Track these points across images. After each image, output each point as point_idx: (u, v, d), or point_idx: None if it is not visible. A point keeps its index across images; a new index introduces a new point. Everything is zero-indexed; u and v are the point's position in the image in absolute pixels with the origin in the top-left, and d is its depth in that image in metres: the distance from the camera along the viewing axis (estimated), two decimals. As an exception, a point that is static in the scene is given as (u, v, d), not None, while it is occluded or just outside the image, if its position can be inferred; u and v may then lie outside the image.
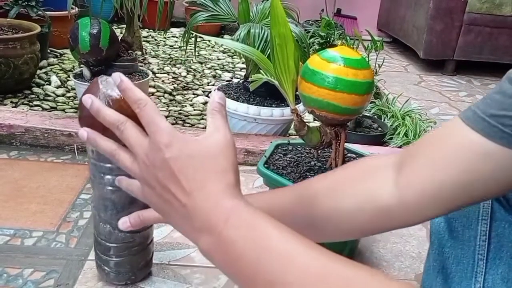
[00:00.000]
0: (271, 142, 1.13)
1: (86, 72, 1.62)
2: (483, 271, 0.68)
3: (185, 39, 1.62)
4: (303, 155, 1.08)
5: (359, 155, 1.09)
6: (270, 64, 0.95)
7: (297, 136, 0.98)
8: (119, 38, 1.70)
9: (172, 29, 3.13)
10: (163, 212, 0.49)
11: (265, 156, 1.04)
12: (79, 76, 1.65)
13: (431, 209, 0.53)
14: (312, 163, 1.04)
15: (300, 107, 1.14)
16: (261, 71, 1.04)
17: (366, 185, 0.57)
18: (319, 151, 1.05)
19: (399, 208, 0.55)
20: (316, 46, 1.73)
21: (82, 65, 1.67)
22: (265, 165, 1.00)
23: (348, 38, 1.81)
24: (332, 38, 1.70)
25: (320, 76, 0.88)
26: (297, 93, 0.97)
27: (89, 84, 0.85)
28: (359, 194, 0.57)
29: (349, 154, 1.08)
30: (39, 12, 2.01)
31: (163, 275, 0.96)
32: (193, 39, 1.71)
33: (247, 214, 0.45)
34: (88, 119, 0.80)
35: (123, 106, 0.78)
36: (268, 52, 1.39)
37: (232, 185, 0.47)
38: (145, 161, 0.47)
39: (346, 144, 1.01)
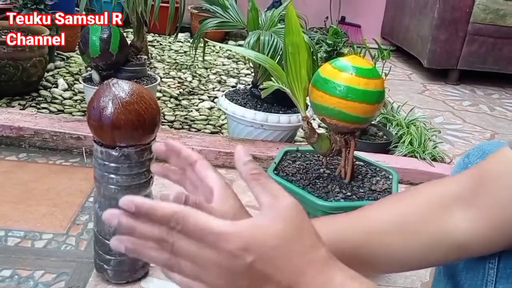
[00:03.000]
0: (277, 149, 1.14)
1: (95, 76, 1.63)
2: (494, 280, 0.68)
3: (194, 45, 1.63)
4: (312, 162, 1.09)
5: (368, 164, 1.10)
6: (282, 72, 0.96)
7: (305, 143, 1.00)
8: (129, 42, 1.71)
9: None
10: None
11: (275, 163, 1.05)
12: (88, 80, 1.66)
13: (505, 241, 0.56)
14: (321, 170, 1.05)
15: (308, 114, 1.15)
16: (272, 78, 1.05)
17: (438, 223, 0.57)
18: (328, 159, 1.07)
19: (474, 243, 0.56)
20: (323, 54, 1.74)
21: (89, 69, 1.68)
22: (275, 172, 1.01)
23: (354, 46, 1.83)
24: (339, 47, 1.72)
25: (332, 84, 0.90)
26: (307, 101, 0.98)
27: (98, 87, 0.87)
28: (432, 233, 0.57)
29: (357, 162, 1.09)
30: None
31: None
32: (201, 44, 1.72)
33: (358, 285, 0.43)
34: (97, 125, 0.82)
35: (135, 108, 0.80)
36: (277, 59, 1.40)
37: (326, 257, 0.43)
38: (219, 273, 0.40)
39: (354, 152, 1.02)
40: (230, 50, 2.85)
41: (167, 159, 0.55)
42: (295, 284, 0.41)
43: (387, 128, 1.79)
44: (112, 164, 0.83)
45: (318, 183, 0.99)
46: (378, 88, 0.91)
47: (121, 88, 0.80)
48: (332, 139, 0.98)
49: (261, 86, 1.24)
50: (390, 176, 1.04)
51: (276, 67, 0.97)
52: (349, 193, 0.96)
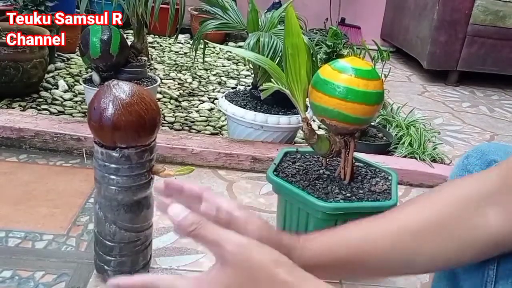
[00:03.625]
0: (277, 150, 1.15)
1: (96, 77, 1.63)
2: (493, 280, 0.68)
3: (194, 47, 1.63)
4: (311, 163, 1.09)
5: (368, 165, 1.11)
6: (282, 74, 0.97)
7: (305, 144, 1.00)
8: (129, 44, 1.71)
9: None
10: None
11: (274, 164, 1.05)
12: (89, 81, 1.67)
13: None
14: (321, 171, 1.05)
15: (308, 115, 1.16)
16: (272, 79, 1.06)
17: (473, 222, 0.57)
18: (327, 160, 1.07)
19: (510, 239, 0.57)
20: (323, 55, 1.74)
21: (89, 70, 1.69)
22: (275, 173, 1.02)
23: (354, 47, 1.83)
24: (339, 48, 1.72)
25: (331, 86, 0.90)
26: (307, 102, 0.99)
27: (98, 89, 0.87)
28: (468, 232, 0.58)
29: (357, 163, 1.10)
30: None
31: (172, 280, 0.97)
32: (202, 46, 1.73)
33: None
34: (97, 126, 0.82)
35: (136, 109, 0.80)
36: (276, 61, 1.40)
37: (289, 282, 0.45)
38: None
39: (354, 153, 1.02)
40: (230, 52, 2.85)
41: (170, 197, 0.58)
42: None
43: (387, 129, 1.79)
44: (113, 165, 0.83)
45: (318, 184, 1.00)
46: (378, 89, 0.92)
47: (122, 89, 0.81)
48: (332, 140, 0.98)
49: (261, 87, 1.24)
50: (390, 177, 1.05)
51: (275, 69, 0.97)
52: (348, 194, 0.96)
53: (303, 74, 0.93)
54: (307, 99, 0.98)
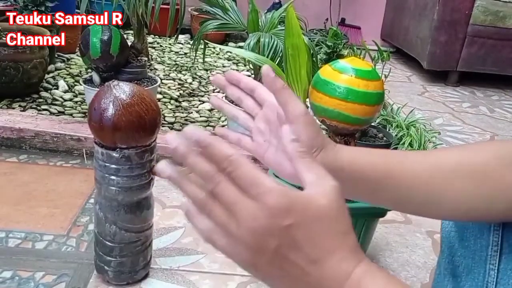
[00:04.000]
0: None
1: (96, 78, 1.63)
2: (494, 281, 0.68)
3: (194, 47, 1.63)
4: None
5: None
6: (283, 74, 0.97)
7: None
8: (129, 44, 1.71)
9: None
10: (272, 278, 0.42)
11: None
12: (89, 82, 1.67)
13: None
14: None
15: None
16: None
17: (505, 178, 0.56)
18: None
19: None
20: (323, 56, 1.74)
21: (89, 71, 1.69)
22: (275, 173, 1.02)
23: (354, 48, 1.83)
24: (339, 49, 1.72)
25: (332, 86, 0.90)
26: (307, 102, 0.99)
27: (98, 89, 0.87)
28: (500, 185, 0.57)
29: None
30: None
31: (172, 280, 0.97)
32: (202, 46, 1.73)
33: (380, 280, 0.43)
34: (97, 126, 0.82)
35: (136, 110, 0.80)
36: (277, 61, 1.40)
37: (354, 247, 0.43)
38: (253, 227, 0.39)
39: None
40: (231, 52, 2.85)
41: (225, 89, 0.61)
42: (321, 261, 0.41)
43: (387, 130, 1.79)
44: (113, 166, 0.83)
45: None
46: (378, 89, 0.92)
47: (122, 89, 0.81)
48: (332, 141, 0.98)
49: None
50: None
51: (276, 69, 0.98)
52: None
53: (304, 75, 0.93)
54: (307, 100, 0.98)
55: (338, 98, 0.90)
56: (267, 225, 0.38)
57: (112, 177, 0.84)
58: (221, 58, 2.81)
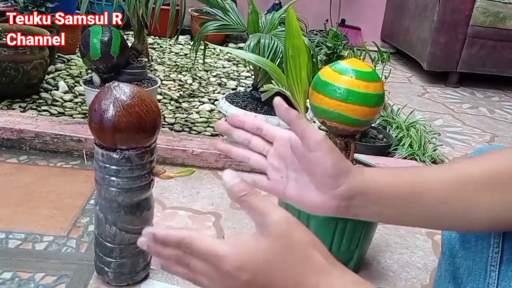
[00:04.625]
0: None
1: (96, 79, 1.63)
2: (495, 282, 0.68)
3: (194, 48, 1.63)
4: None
5: (368, 166, 1.10)
6: (283, 75, 0.97)
7: None
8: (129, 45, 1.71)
9: (177, 37, 3.15)
10: None
11: None
12: (89, 82, 1.67)
13: None
14: None
15: (308, 116, 1.15)
16: (272, 81, 1.05)
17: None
18: None
19: None
20: (323, 57, 1.74)
21: (90, 71, 1.69)
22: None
23: (354, 49, 1.83)
24: (339, 50, 1.72)
25: (332, 87, 0.90)
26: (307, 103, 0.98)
27: (98, 90, 0.87)
28: None
29: (357, 165, 1.09)
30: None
31: (172, 281, 0.97)
32: (202, 47, 1.73)
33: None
34: (98, 127, 0.82)
35: (136, 111, 0.80)
36: (277, 62, 1.40)
37: (323, 263, 0.45)
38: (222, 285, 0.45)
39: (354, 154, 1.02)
40: (231, 53, 2.85)
41: (230, 135, 0.62)
42: None
43: (387, 131, 1.79)
44: (113, 167, 0.83)
45: None
46: (378, 91, 0.92)
47: (122, 90, 0.81)
48: (332, 142, 0.98)
49: (261, 89, 1.24)
50: None
51: (276, 70, 0.97)
52: None
53: (304, 76, 0.93)
54: (307, 101, 0.98)
55: (338, 99, 0.90)
56: (233, 286, 0.45)
57: (112, 178, 0.84)
58: (221, 59, 2.81)
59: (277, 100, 0.53)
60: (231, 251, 0.44)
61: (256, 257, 0.44)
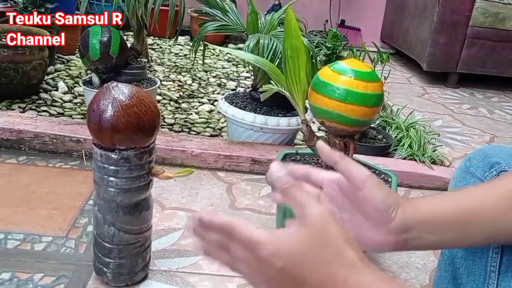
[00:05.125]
0: (277, 152, 1.14)
1: (95, 79, 1.63)
2: (495, 283, 0.68)
3: (194, 48, 1.63)
4: (311, 165, 1.08)
5: (367, 167, 1.10)
6: (282, 75, 0.96)
7: (305, 146, 0.99)
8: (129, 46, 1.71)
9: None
10: None
11: None
12: (88, 83, 1.67)
13: None
14: None
15: (307, 117, 1.15)
16: (271, 81, 1.05)
17: None
18: None
19: None
20: (322, 57, 1.74)
21: (89, 72, 1.69)
22: None
23: (354, 49, 1.83)
24: (339, 50, 1.72)
25: (331, 87, 0.90)
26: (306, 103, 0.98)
27: (97, 90, 0.87)
28: None
29: None
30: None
31: (171, 282, 0.97)
32: (201, 48, 1.73)
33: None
34: (96, 128, 0.82)
35: (135, 111, 0.80)
36: (276, 63, 1.40)
37: (354, 260, 0.46)
38: (261, 276, 0.48)
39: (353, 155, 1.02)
40: (230, 54, 2.85)
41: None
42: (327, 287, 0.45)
43: (387, 131, 1.79)
44: (112, 167, 0.83)
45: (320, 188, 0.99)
46: (377, 91, 0.91)
47: (121, 91, 0.80)
48: (332, 142, 0.97)
49: (260, 89, 1.24)
50: (389, 179, 1.04)
51: (275, 70, 0.97)
52: None
53: (303, 76, 0.92)
54: (306, 101, 0.98)
55: (337, 99, 0.89)
56: (267, 272, 0.47)
57: (111, 178, 0.84)
58: (220, 60, 2.81)
59: (320, 145, 0.56)
60: (269, 238, 0.46)
61: (291, 246, 0.46)
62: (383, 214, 0.56)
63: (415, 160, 1.60)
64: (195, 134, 1.73)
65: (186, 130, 1.78)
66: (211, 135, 1.74)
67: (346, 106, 0.89)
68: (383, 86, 0.96)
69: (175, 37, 1.98)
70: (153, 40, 3.04)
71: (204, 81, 2.37)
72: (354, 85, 0.89)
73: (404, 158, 1.61)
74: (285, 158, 1.11)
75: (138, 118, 0.80)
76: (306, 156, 1.12)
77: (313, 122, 1.68)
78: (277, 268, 0.45)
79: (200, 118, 1.89)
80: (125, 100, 0.79)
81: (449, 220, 0.59)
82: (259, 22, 1.55)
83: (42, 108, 1.78)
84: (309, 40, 1.60)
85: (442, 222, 0.59)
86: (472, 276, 0.71)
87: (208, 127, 1.83)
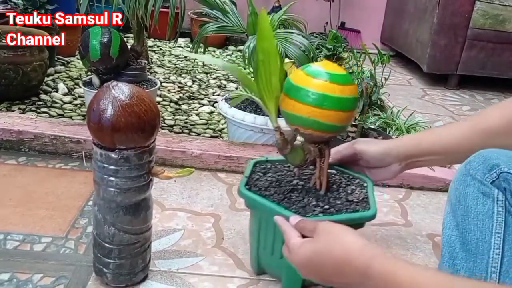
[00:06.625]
0: (277, 152, 1.06)
1: (95, 80, 1.63)
2: (496, 283, 0.68)
3: (194, 49, 1.63)
4: (283, 174, 1.00)
5: (341, 172, 1.03)
6: (252, 81, 0.87)
7: (276, 152, 0.92)
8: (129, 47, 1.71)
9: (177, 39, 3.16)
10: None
11: (246, 177, 0.96)
12: (88, 84, 1.67)
13: None
14: (295, 182, 0.96)
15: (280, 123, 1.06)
16: (240, 87, 0.96)
17: None
18: (300, 169, 0.98)
19: None
20: (323, 59, 1.74)
21: (89, 73, 1.69)
22: (246, 186, 0.93)
23: (354, 51, 1.83)
24: (339, 51, 1.72)
25: (306, 92, 0.82)
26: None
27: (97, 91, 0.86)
28: None
29: (329, 170, 0.98)
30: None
31: (171, 283, 0.96)
32: (202, 50, 1.72)
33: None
34: (96, 127, 0.82)
35: (135, 111, 0.80)
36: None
37: (354, 241, 0.68)
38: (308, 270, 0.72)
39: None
40: (230, 55, 2.84)
41: None
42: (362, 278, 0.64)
43: (387, 133, 1.79)
44: (112, 167, 0.83)
45: (293, 197, 0.91)
46: (353, 94, 0.85)
47: (121, 90, 0.80)
48: (306, 149, 0.90)
49: (231, 95, 1.13)
50: (365, 184, 0.99)
51: (244, 76, 0.90)
52: (326, 206, 0.89)
53: (275, 82, 0.82)
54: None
55: (312, 105, 0.82)
56: (304, 271, 0.72)
57: (111, 178, 0.83)
58: (221, 61, 2.81)
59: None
60: (300, 247, 0.72)
61: (308, 252, 0.70)
62: (379, 162, 0.94)
63: (416, 161, 1.59)
64: (196, 135, 1.73)
65: (186, 131, 1.78)
66: (212, 136, 1.74)
67: (322, 111, 0.82)
68: (358, 88, 0.89)
69: (175, 39, 1.98)
70: (153, 42, 3.04)
71: (204, 82, 2.37)
72: (330, 90, 0.82)
73: (405, 160, 1.61)
74: (255, 167, 1.01)
75: (139, 118, 0.79)
76: (277, 163, 1.05)
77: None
78: (305, 268, 0.70)
79: (200, 119, 1.89)
80: (125, 100, 0.79)
81: (434, 156, 0.90)
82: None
83: (42, 110, 1.78)
84: (309, 42, 1.60)
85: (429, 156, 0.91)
86: (473, 277, 0.71)
87: (208, 128, 1.82)
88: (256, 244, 0.96)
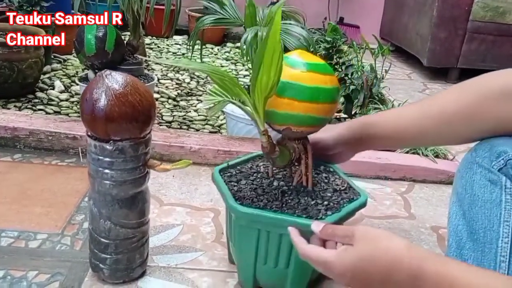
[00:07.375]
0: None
1: (92, 75, 1.61)
2: (506, 272, 0.66)
3: (191, 43, 1.61)
4: (256, 177, 0.92)
5: (338, 176, 0.96)
6: (232, 82, 0.80)
7: (234, 155, 0.84)
8: (125, 41, 1.69)
9: (175, 37, 3.13)
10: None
11: (230, 190, 0.86)
12: (85, 80, 1.64)
13: None
14: (275, 183, 0.89)
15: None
16: (212, 90, 0.89)
17: (503, 110, 0.69)
18: (274, 169, 0.93)
19: None
20: (322, 51, 1.72)
21: (86, 69, 1.66)
22: (238, 202, 0.82)
23: (355, 44, 1.81)
24: (338, 44, 1.70)
25: (300, 88, 0.77)
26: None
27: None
28: (497, 119, 0.70)
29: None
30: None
31: (170, 278, 0.94)
32: (199, 45, 1.70)
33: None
34: (90, 118, 0.79)
35: (130, 100, 0.77)
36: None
37: (400, 247, 0.62)
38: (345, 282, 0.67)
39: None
40: (228, 52, 2.82)
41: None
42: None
43: (388, 126, 1.76)
44: (107, 159, 0.80)
45: (289, 201, 0.84)
46: (335, 84, 0.81)
47: (115, 79, 0.78)
48: (291, 148, 0.85)
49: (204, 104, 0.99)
50: (331, 169, 0.95)
51: (221, 78, 0.80)
52: (325, 203, 0.84)
53: (273, 80, 0.78)
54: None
55: (309, 101, 0.77)
56: (343, 281, 0.67)
57: (106, 170, 0.81)
58: (219, 58, 2.79)
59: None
60: (336, 258, 0.66)
61: (352, 261, 0.64)
62: (333, 149, 0.94)
63: (418, 153, 1.57)
64: (195, 131, 1.70)
65: (185, 127, 1.75)
66: (210, 132, 1.72)
67: (317, 106, 0.77)
68: (336, 79, 0.83)
69: (170, 35, 1.96)
70: (150, 39, 3.02)
71: (203, 79, 2.35)
72: (323, 82, 0.77)
73: (407, 152, 1.59)
74: (223, 176, 0.91)
75: (133, 107, 0.77)
76: (238, 167, 0.96)
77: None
78: (349, 277, 0.64)
79: (198, 115, 1.87)
80: (119, 89, 0.76)
81: (402, 138, 0.87)
82: (257, 15, 1.52)
83: (38, 107, 1.76)
84: (310, 36, 1.57)
85: (397, 138, 0.88)
86: (481, 266, 0.69)
87: (207, 124, 1.80)
88: (253, 261, 0.86)
